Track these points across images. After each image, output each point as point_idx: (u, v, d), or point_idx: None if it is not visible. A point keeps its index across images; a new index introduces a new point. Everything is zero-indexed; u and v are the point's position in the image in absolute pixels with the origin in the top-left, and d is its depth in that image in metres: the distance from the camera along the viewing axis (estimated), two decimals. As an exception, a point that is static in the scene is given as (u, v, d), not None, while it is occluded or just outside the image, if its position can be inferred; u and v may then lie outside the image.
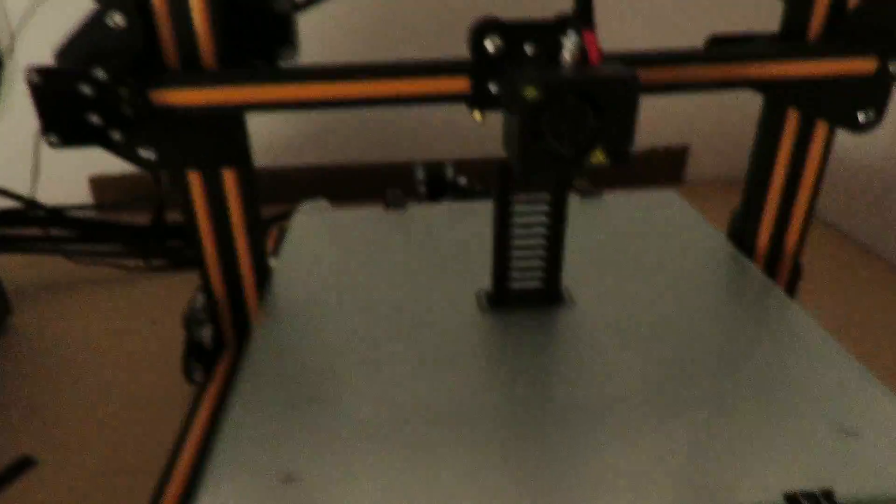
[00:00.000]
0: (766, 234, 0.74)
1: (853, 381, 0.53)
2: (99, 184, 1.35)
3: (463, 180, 1.10)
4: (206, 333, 0.69)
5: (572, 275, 0.69)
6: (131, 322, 1.01)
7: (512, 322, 0.62)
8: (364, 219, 0.83)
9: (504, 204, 0.59)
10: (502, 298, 0.64)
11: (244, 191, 0.64)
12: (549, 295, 0.64)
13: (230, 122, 0.61)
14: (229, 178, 0.63)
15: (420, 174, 1.10)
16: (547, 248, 0.62)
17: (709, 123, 1.38)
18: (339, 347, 0.58)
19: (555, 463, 0.46)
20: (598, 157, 0.53)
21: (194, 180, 0.63)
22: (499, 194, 0.59)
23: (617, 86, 0.50)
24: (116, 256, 1.13)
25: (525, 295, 0.64)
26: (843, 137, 1.18)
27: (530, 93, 0.49)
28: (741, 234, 0.75)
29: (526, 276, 0.64)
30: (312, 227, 0.81)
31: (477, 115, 0.58)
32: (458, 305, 0.64)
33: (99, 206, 1.31)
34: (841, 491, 0.43)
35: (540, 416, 0.50)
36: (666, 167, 1.42)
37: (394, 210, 0.85)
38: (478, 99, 0.57)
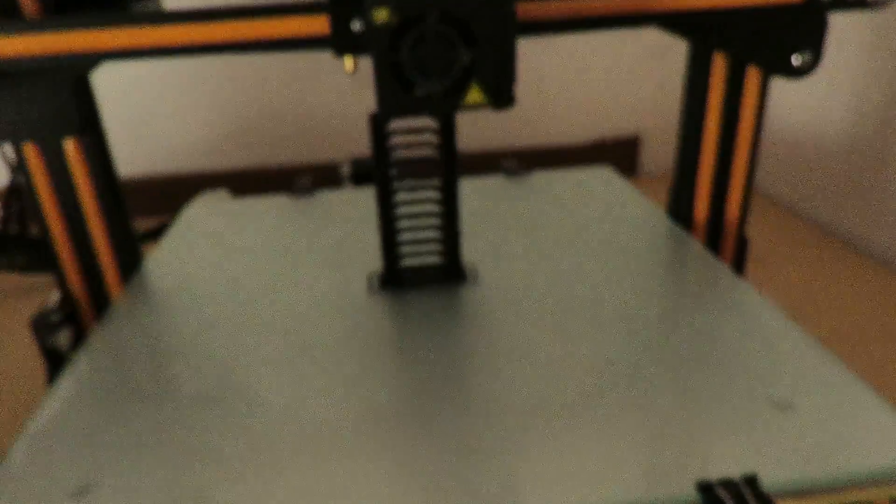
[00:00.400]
0: (704, 205, 0.66)
1: (798, 352, 0.45)
2: None
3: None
4: (62, 338, 0.60)
5: (488, 252, 0.61)
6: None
7: (402, 303, 0.53)
8: (263, 206, 0.75)
9: (383, 164, 0.51)
10: (394, 278, 0.56)
11: (94, 165, 0.56)
12: (447, 272, 0.56)
13: (69, 82, 0.52)
14: (73, 150, 0.55)
15: (345, 169, 1.02)
16: (441, 216, 0.54)
17: (661, 111, 1.31)
18: (197, 339, 0.49)
19: (450, 459, 0.37)
20: (475, 96, 0.45)
21: (31, 154, 0.55)
22: (375, 152, 0.51)
23: (486, 9, 0.42)
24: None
25: (421, 273, 0.56)
26: (798, 115, 1.11)
27: (381, 16, 0.41)
28: (678, 207, 0.67)
29: (421, 252, 0.56)
30: (202, 215, 0.73)
31: (348, 62, 0.51)
32: (344, 289, 0.55)
33: None
34: (768, 476, 0.35)
35: (424, 409, 0.41)
36: (617, 159, 1.35)
37: (300, 197, 0.77)
38: (340, 40, 0.49)
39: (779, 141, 1.16)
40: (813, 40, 0.59)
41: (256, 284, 0.57)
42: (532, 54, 1.23)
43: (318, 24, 0.49)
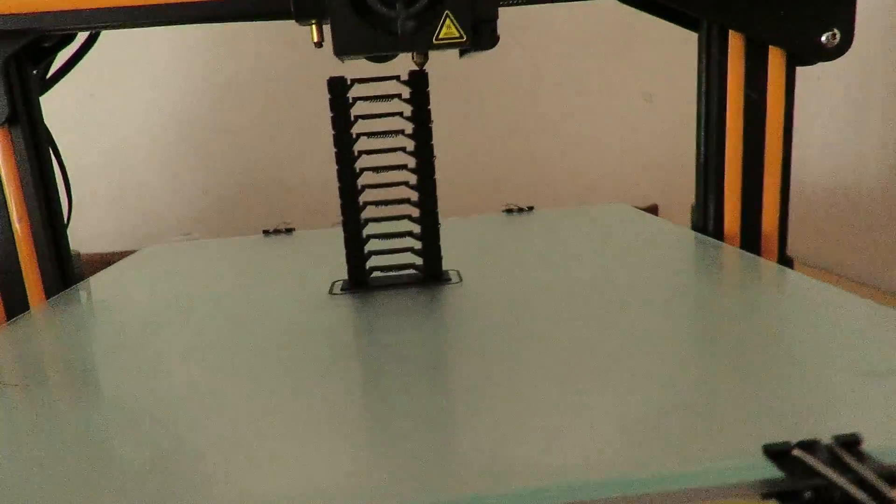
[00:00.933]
0: (735, 218, 0.56)
1: (885, 325, 0.34)
2: None
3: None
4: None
5: (484, 266, 0.51)
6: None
7: (366, 303, 0.43)
8: (230, 243, 0.67)
9: (344, 135, 0.43)
10: (360, 279, 0.46)
11: (23, 159, 0.49)
12: (425, 272, 0.46)
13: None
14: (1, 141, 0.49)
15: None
16: (418, 201, 0.45)
17: (680, 180, 1.24)
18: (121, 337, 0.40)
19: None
20: (449, 28, 0.38)
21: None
22: (336, 120, 0.43)
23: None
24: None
25: (392, 275, 0.47)
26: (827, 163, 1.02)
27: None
28: (704, 223, 0.57)
29: (393, 248, 0.47)
30: (160, 249, 0.65)
31: (314, 31, 0.44)
32: (300, 295, 0.46)
33: None
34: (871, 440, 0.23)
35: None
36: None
37: (275, 236, 0.69)
38: (300, 3, 0.42)
39: (809, 198, 1.06)
40: (843, 16, 0.52)
41: (201, 298, 0.48)
42: (549, 124, 1.19)
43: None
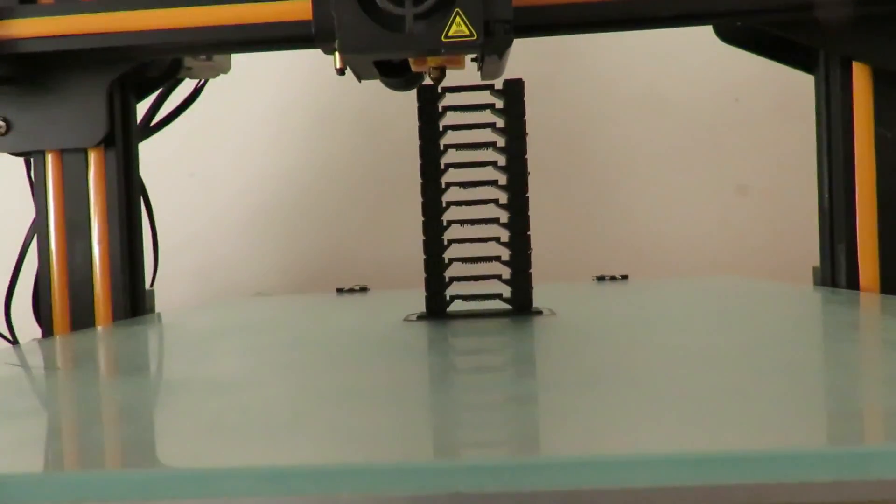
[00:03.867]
0: (872, 268, 0.48)
1: None
2: None
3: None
4: None
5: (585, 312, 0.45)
6: None
7: (443, 329, 0.38)
8: (304, 298, 0.65)
9: (432, 149, 0.40)
10: (439, 308, 0.41)
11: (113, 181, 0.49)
12: (515, 303, 0.41)
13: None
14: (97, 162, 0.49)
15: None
16: (508, 223, 0.40)
17: (649, 251, 1.12)
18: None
19: None
20: (459, 26, 0.35)
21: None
22: (423, 131, 0.40)
23: None
24: None
25: (474, 305, 0.42)
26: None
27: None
28: (833, 276, 0.50)
29: (477, 274, 0.42)
30: (234, 300, 0.63)
31: (336, 58, 0.42)
32: (371, 326, 0.42)
33: None
34: None
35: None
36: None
37: (348, 294, 0.66)
38: (322, 27, 0.38)
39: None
40: None
41: (274, 331, 0.45)
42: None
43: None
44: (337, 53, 0.40)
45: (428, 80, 0.43)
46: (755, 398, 0.21)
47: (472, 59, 0.42)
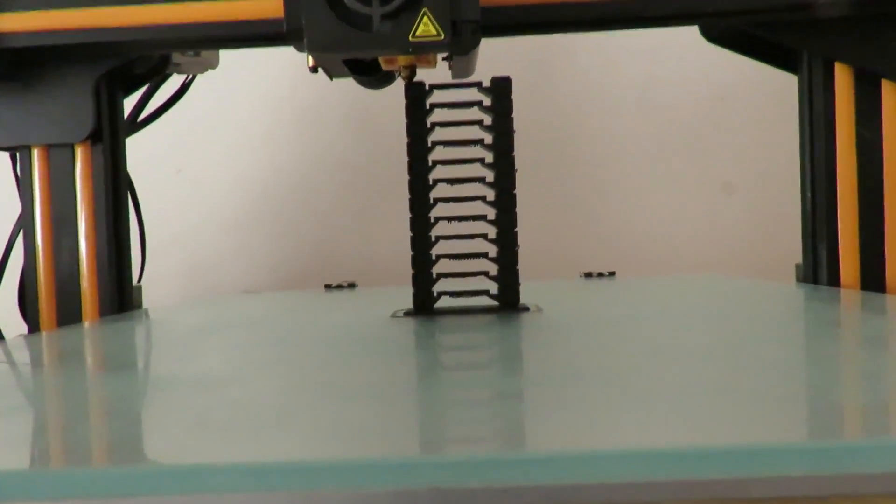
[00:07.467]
0: (852, 267, 0.49)
1: None
2: None
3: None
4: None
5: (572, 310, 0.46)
6: None
7: (430, 326, 0.39)
8: (290, 295, 0.65)
9: (419, 145, 0.40)
10: (427, 303, 0.42)
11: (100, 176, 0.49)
12: (501, 299, 0.42)
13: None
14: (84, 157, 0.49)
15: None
16: (495, 220, 0.41)
17: (636, 247, 1.13)
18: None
19: None
20: (427, 26, 0.36)
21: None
22: (410, 128, 0.40)
23: None
24: None
25: (461, 301, 0.42)
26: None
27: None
28: (815, 277, 0.51)
29: (464, 271, 0.42)
30: (220, 296, 0.63)
31: (309, 57, 0.42)
32: (358, 321, 0.42)
33: None
34: None
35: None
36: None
37: (337, 291, 0.66)
38: (293, 23, 0.37)
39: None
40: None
41: (261, 328, 0.45)
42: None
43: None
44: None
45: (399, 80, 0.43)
46: (737, 394, 0.21)
47: (444, 59, 0.43)
